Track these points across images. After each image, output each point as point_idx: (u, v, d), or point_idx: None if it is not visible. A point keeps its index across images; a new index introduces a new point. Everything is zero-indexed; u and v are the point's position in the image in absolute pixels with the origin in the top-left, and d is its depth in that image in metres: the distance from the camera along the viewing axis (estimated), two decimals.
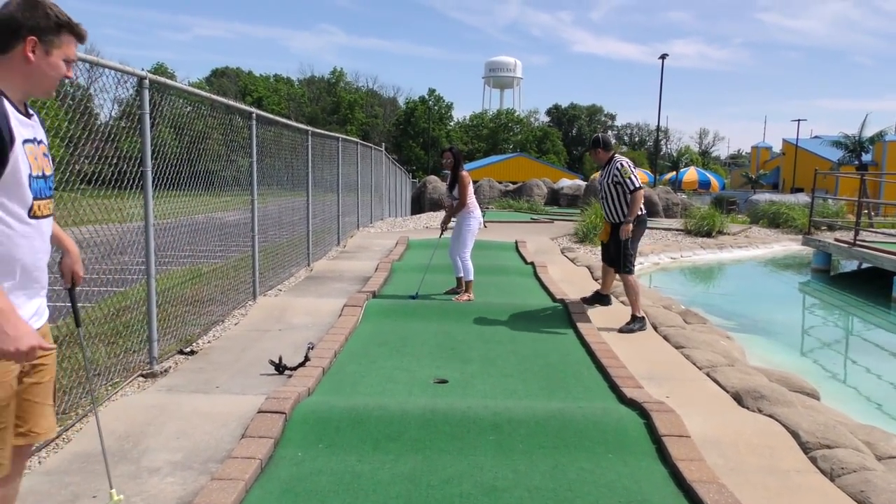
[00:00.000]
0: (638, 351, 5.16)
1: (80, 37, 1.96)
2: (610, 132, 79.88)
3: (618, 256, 6.03)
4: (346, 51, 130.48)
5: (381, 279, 7.75)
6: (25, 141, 1.85)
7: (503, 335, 5.50)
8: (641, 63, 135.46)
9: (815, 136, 48.54)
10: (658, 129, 35.90)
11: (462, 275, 6.88)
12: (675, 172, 41.47)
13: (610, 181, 6.01)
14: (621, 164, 5.96)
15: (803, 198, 21.33)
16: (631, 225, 5.89)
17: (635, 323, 5.89)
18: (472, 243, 6.94)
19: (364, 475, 3.00)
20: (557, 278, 8.19)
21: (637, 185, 5.88)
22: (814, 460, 3.28)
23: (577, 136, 75.50)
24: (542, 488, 2.91)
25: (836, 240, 12.18)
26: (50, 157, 2.02)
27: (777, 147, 50.98)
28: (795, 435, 3.50)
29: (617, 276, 6.27)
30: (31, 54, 1.84)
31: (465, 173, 6.80)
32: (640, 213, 6.04)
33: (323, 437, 3.34)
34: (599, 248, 6.91)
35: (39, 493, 2.80)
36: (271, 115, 7.64)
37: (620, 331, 5.80)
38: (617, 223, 6.03)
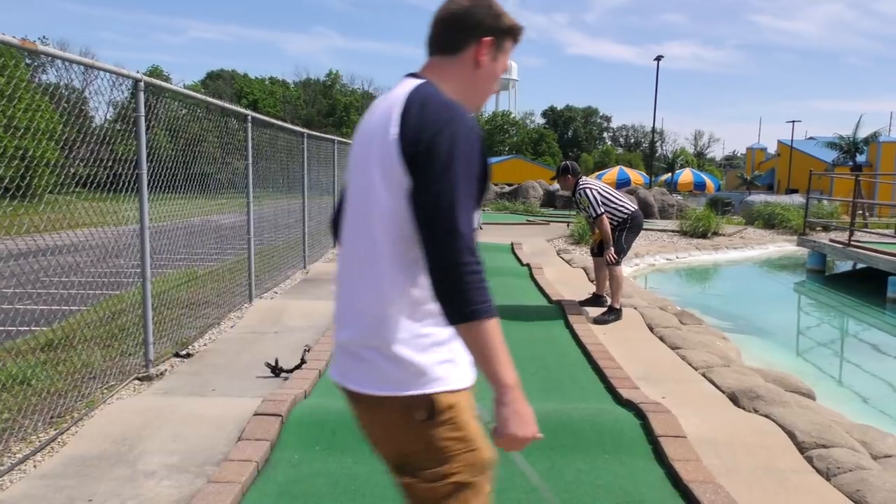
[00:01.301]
0: (634, 352, 5.17)
1: (515, 44, 1.63)
2: (605, 134, 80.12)
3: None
4: (342, 53, 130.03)
5: None
6: None
7: None
8: (637, 65, 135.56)
9: (810, 138, 48.72)
10: (653, 130, 36.01)
11: None
12: (670, 174, 41.53)
13: (580, 206, 6.32)
14: (580, 195, 6.20)
15: (798, 199, 21.39)
16: (612, 250, 6.08)
17: (611, 314, 6.13)
18: None
19: (361, 477, 3.00)
20: (553, 280, 8.20)
21: (598, 213, 6.10)
22: (810, 460, 3.29)
23: (572, 138, 75.60)
24: (539, 489, 2.91)
25: (831, 240, 12.21)
26: None
27: (772, 148, 51.13)
28: (791, 435, 3.51)
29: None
30: (483, 57, 1.54)
31: None
32: (631, 211, 6.25)
33: (319, 440, 3.34)
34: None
35: (34, 497, 2.79)
36: (267, 118, 7.64)
37: (595, 321, 6.02)
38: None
